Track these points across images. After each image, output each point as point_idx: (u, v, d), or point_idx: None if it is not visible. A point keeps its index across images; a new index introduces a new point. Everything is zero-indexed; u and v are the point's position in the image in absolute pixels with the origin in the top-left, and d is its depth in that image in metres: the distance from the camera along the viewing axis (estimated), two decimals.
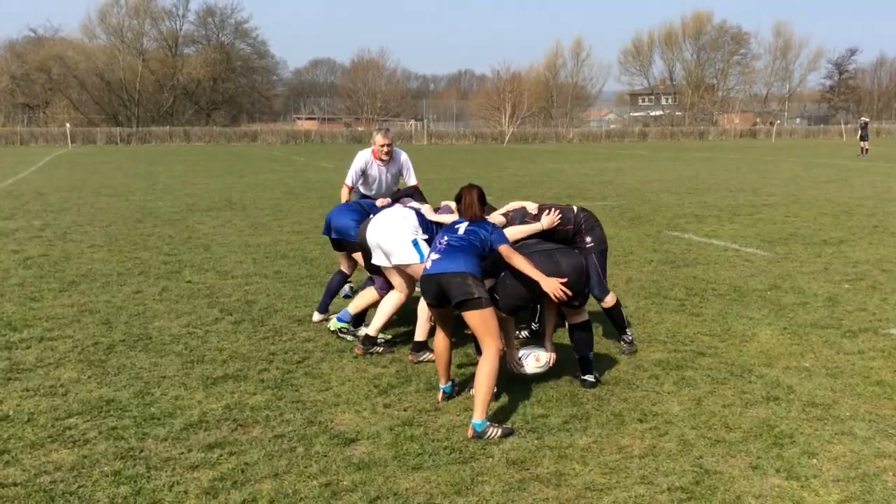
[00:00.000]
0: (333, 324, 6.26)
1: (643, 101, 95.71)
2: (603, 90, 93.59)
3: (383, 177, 7.50)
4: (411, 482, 3.78)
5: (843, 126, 68.74)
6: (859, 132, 36.34)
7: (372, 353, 5.80)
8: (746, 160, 31.64)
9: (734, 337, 6.23)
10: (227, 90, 79.27)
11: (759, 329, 6.45)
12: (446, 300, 4.59)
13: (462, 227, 4.80)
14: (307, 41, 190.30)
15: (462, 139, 63.19)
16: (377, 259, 5.78)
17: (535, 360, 5.02)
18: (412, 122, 68.81)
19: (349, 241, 6.38)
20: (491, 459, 4.03)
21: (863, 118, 41.42)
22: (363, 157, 7.48)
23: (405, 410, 4.69)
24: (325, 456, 4.08)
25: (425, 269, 4.74)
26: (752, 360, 5.63)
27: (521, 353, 5.09)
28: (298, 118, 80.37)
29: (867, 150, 34.70)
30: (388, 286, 5.97)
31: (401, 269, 5.68)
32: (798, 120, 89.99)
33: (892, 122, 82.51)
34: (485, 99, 73.86)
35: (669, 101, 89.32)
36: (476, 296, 4.46)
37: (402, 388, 5.08)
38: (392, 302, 5.86)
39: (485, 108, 71.89)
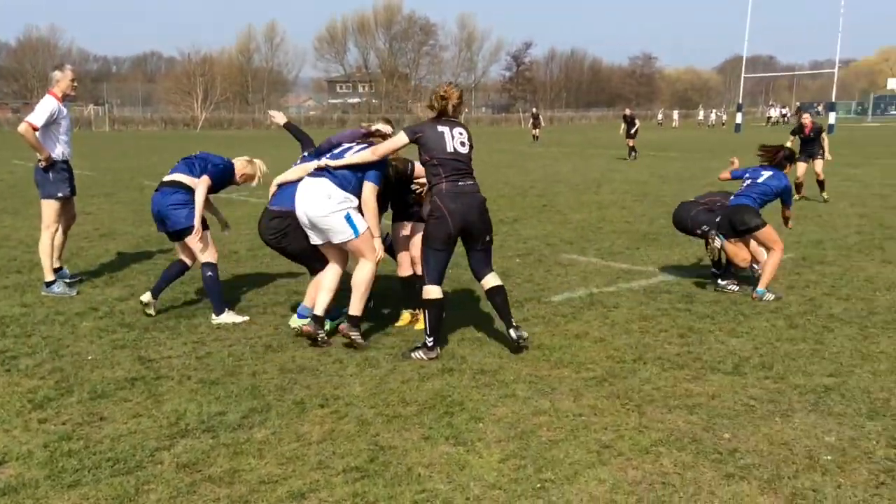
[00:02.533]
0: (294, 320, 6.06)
1: (341, 87, 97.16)
2: (300, 76, 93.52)
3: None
4: (66, 501, 3.41)
5: (521, 115, 75.31)
6: (531, 121, 39.92)
7: (319, 337, 5.60)
8: None
9: (417, 315, 6.48)
10: None
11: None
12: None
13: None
14: None
15: (150, 125, 59.48)
16: (314, 239, 5.66)
17: None
18: (91, 106, 63.08)
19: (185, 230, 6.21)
20: (160, 466, 3.77)
21: (533, 109, 45.66)
22: (52, 102, 7.03)
23: (63, 424, 4.23)
24: None
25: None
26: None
27: None
28: None
29: (538, 136, 38.26)
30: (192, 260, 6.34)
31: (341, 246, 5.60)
32: (484, 108, 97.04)
33: (563, 110, 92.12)
34: (174, 83, 70.20)
35: (366, 88, 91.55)
36: None
37: (61, 400, 4.58)
38: (334, 278, 5.72)
39: (174, 92, 68.31)
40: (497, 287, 5.57)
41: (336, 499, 3.45)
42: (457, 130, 5.41)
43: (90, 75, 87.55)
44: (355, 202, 5.54)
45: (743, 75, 58.91)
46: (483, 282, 5.62)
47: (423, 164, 5.46)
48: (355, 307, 5.61)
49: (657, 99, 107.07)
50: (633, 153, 25.33)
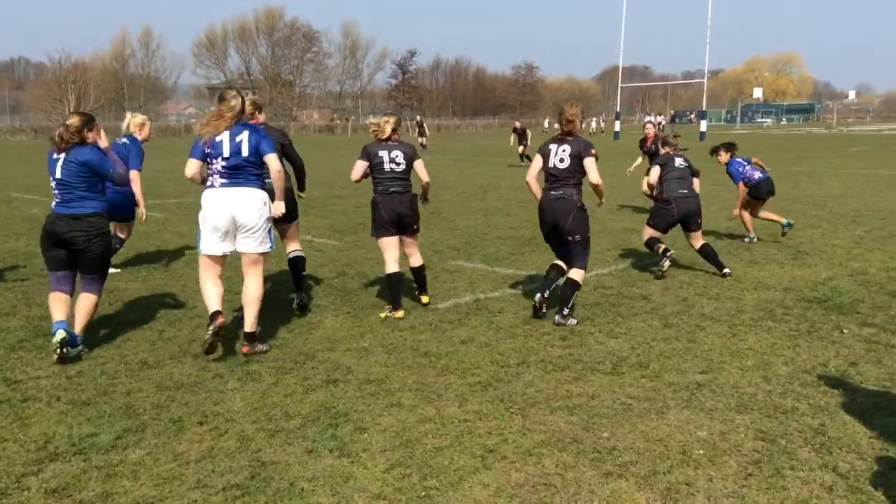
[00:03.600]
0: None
1: None
2: (179, 83, 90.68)
3: None
4: None
5: (407, 123, 75.55)
6: (417, 129, 40.00)
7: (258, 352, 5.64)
8: (324, 154, 33.10)
9: (301, 326, 6.39)
10: None
11: (325, 315, 6.70)
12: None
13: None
14: None
15: (18, 134, 56.31)
16: (222, 247, 5.64)
17: None
18: None
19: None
20: (27, 492, 3.56)
21: (418, 117, 45.77)
22: None
23: None
24: None
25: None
26: (316, 346, 5.82)
27: None
28: None
29: (425, 145, 38.34)
30: None
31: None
32: (371, 116, 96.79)
33: (450, 118, 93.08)
34: (44, 90, 66.69)
35: (249, 95, 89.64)
36: None
37: None
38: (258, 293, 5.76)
39: (44, 99, 64.91)
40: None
41: None
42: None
43: None
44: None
45: (620, 84, 61.21)
46: None
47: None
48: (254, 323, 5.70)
49: (540, 107, 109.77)
50: (526, 159, 26.04)
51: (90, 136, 5.70)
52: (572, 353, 5.66)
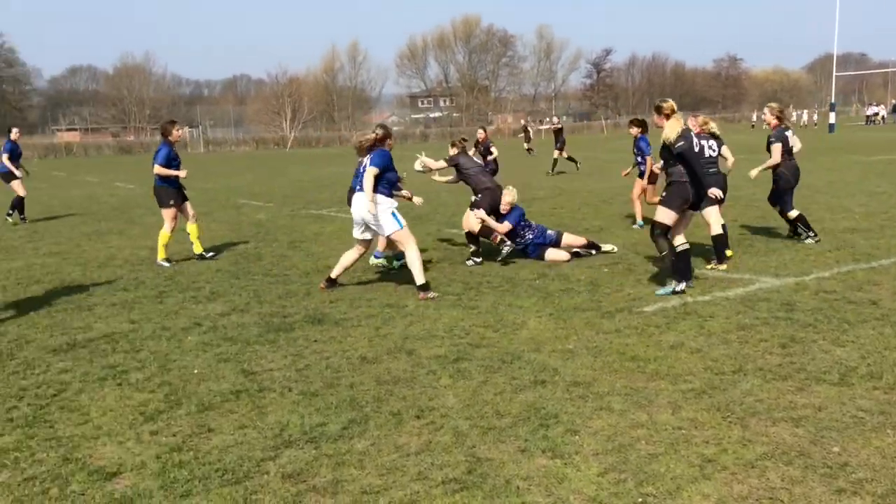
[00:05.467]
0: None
1: (422, 102, 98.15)
2: (382, 93, 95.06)
3: None
4: None
5: (603, 122, 74.47)
6: (523, 134, 36.55)
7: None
8: (520, 157, 33.32)
9: (506, 326, 6.50)
10: None
11: (528, 317, 6.78)
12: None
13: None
14: (63, 48, 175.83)
15: (242, 145, 61.46)
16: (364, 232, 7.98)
17: None
18: (186, 129, 65.77)
19: None
20: (266, 476, 3.89)
21: (522, 121, 43.16)
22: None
23: (174, 436, 4.42)
24: (83, 494, 3.75)
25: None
26: (522, 347, 5.90)
27: None
28: (58, 130, 74.14)
29: (532, 149, 35.13)
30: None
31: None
32: (564, 117, 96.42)
33: (647, 116, 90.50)
34: (263, 104, 72.39)
35: (447, 102, 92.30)
36: None
37: (170, 412, 4.78)
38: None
39: (264, 112, 70.44)
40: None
41: None
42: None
43: (184, 99, 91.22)
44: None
45: (834, 73, 56.76)
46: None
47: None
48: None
49: (745, 101, 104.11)
50: (559, 164, 23.67)
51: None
52: (794, 361, 5.33)
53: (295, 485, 3.78)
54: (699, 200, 7.71)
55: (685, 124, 8.50)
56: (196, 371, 5.56)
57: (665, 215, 7.51)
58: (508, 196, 9.63)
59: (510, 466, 3.88)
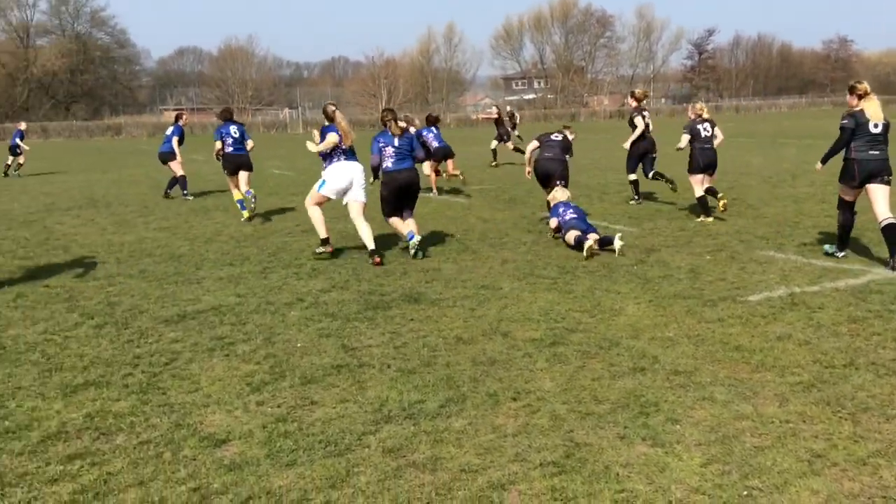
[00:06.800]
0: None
1: (517, 84, 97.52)
2: (477, 75, 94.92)
3: None
4: (285, 479, 3.69)
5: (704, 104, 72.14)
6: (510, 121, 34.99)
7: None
8: (615, 140, 32.72)
9: (603, 311, 6.42)
10: (85, 82, 75.42)
11: (626, 303, 6.68)
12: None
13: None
14: (171, 29, 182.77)
15: None
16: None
17: None
18: (286, 110, 67.41)
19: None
20: (367, 449, 3.98)
21: (508, 107, 41.22)
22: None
23: (279, 407, 4.58)
24: (194, 459, 3.93)
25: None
26: (619, 333, 5.82)
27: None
28: (165, 109, 77.08)
29: (519, 136, 33.17)
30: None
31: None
32: (663, 100, 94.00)
33: (750, 99, 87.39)
34: (360, 86, 73.45)
35: (541, 84, 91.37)
36: None
37: (275, 384, 4.95)
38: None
39: (360, 94, 71.47)
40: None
41: (535, 492, 3.50)
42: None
43: (284, 80, 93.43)
44: None
45: None
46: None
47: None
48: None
49: None
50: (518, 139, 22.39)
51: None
52: None
53: (395, 459, 3.86)
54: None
55: (697, 111, 11.07)
56: (299, 345, 5.73)
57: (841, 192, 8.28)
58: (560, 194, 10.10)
59: (609, 453, 3.85)
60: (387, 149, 8.92)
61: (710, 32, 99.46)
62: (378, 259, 8.51)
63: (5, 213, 14.05)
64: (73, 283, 8.00)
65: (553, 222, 9.74)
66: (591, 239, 8.70)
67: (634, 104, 13.02)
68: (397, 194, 8.97)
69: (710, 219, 10.73)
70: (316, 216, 9.11)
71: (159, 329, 6.24)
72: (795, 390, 4.58)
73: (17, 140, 22.89)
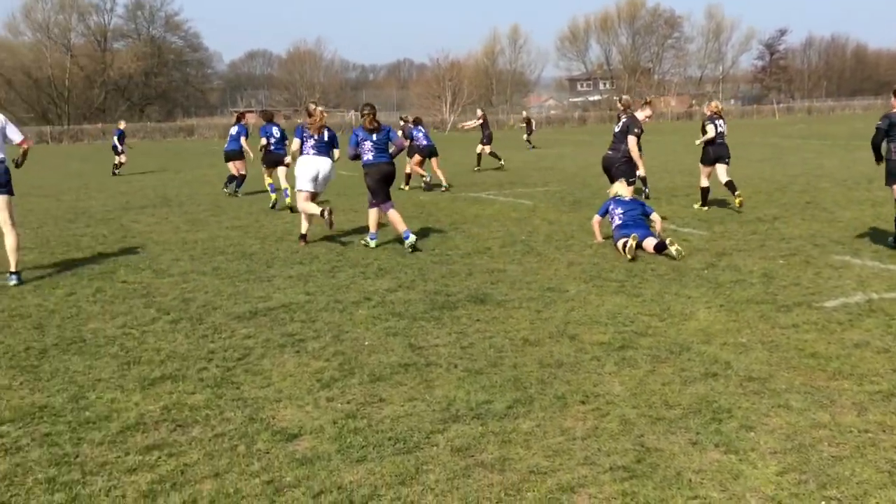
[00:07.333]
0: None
1: (581, 86, 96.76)
2: (541, 76, 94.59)
3: None
4: (355, 475, 3.74)
5: (775, 106, 70.47)
6: (524, 125, 35.00)
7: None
8: (683, 142, 32.19)
9: (673, 316, 6.33)
10: (159, 84, 77.70)
11: (697, 307, 6.56)
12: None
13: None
14: (242, 33, 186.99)
15: (399, 129, 63.06)
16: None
17: None
18: (352, 112, 68.22)
19: None
20: (436, 448, 4.01)
21: (523, 113, 40.57)
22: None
23: (348, 403, 4.64)
24: (268, 453, 4.01)
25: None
26: (690, 338, 5.72)
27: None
28: (236, 111, 78.91)
29: (531, 141, 33.31)
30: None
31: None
32: (732, 101, 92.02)
33: (823, 100, 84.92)
34: (424, 88, 73.76)
35: (607, 85, 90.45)
36: None
37: (344, 381, 5.02)
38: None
39: (425, 97, 71.82)
40: None
41: (605, 496, 3.47)
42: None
43: (350, 83, 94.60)
44: None
45: None
46: None
47: None
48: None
49: None
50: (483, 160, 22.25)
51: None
52: None
53: (463, 458, 3.88)
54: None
55: (712, 109, 11.82)
56: (367, 343, 5.80)
57: None
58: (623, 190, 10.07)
59: (681, 458, 3.79)
60: (366, 143, 9.67)
61: (782, 32, 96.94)
62: (303, 243, 10.12)
63: (85, 210, 14.58)
64: (150, 279, 8.26)
65: (595, 220, 9.97)
66: (631, 237, 8.60)
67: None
68: (379, 182, 9.70)
69: (706, 208, 12.35)
70: (310, 209, 9.98)
71: (232, 325, 6.39)
72: (874, 399, 4.44)
73: (115, 140, 24.54)
